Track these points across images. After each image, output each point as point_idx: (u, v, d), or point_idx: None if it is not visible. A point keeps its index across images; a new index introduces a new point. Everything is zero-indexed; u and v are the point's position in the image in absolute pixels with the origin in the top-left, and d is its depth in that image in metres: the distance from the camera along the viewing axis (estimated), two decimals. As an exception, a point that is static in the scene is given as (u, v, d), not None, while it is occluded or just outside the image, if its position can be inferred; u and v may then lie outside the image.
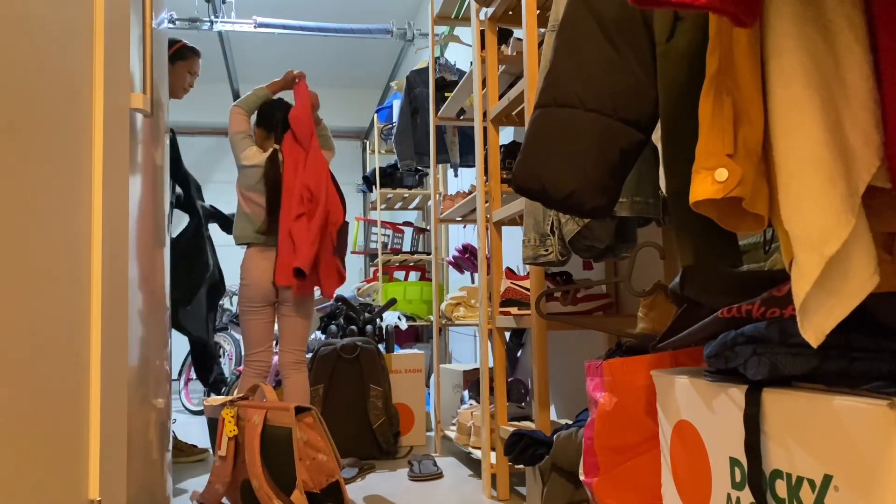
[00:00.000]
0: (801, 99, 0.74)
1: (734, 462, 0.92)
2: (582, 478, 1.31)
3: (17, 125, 0.82)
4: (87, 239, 1.06)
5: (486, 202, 2.45)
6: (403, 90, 3.67)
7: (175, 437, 3.04)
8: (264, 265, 2.48)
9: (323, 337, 3.31)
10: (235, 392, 2.54)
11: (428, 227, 5.01)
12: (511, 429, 1.97)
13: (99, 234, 1.09)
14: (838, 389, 0.80)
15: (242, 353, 2.61)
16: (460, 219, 3.20)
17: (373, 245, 4.88)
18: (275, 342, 2.65)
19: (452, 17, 3.16)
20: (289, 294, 2.49)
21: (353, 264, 6.80)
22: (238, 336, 4.52)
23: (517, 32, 2.53)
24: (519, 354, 3.09)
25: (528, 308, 2.13)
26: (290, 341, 2.53)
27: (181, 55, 2.94)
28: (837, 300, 0.73)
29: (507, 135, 3.26)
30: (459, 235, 4.31)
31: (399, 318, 3.82)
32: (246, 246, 2.54)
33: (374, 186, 4.76)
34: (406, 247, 4.89)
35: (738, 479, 0.91)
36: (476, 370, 3.17)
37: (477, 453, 2.53)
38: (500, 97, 2.30)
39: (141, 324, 1.32)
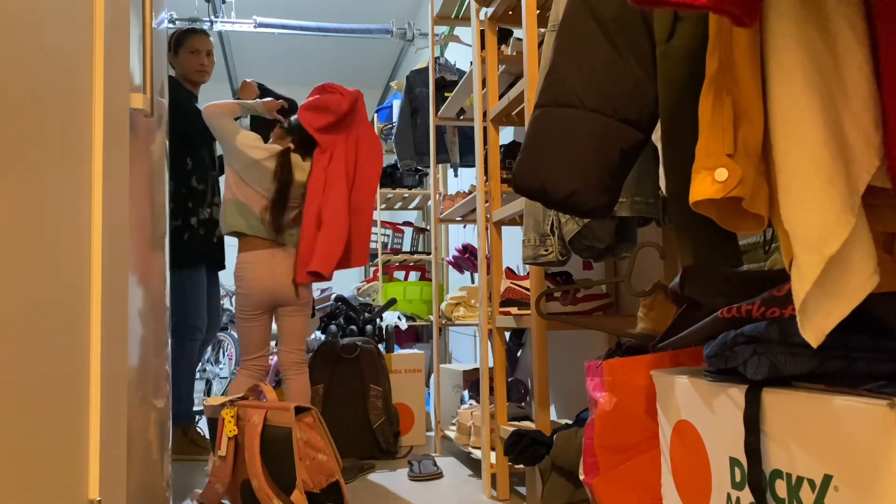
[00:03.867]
0: (801, 99, 0.74)
1: (734, 462, 0.92)
2: (582, 478, 1.31)
3: (16, 125, 0.82)
4: (87, 239, 1.06)
5: (486, 202, 2.45)
6: (403, 90, 3.67)
7: (193, 430, 3.01)
8: (268, 271, 2.40)
9: (323, 337, 3.31)
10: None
11: (428, 227, 5.01)
12: (511, 429, 1.97)
13: (99, 234, 1.09)
14: (838, 389, 0.80)
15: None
16: (460, 219, 3.20)
17: (373, 245, 4.88)
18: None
19: (452, 17, 3.16)
20: (294, 296, 2.44)
21: (353, 264, 6.79)
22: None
23: (517, 32, 2.53)
24: (519, 354, 3.09)
25: (528, 308, 2.13)
26: (291, 341, 2.51)
27: (179, 41, 2.96)
28: (837, 300, 0.73)
29: (507, 135, 3.26)
30: (459, 235, 4.31)
31: (399, 318, 3.81)
32: (238, 243, 2.44)
33: (373, 186, 4.75)
34: (406, 247, 4.89)
35: (738, 479, 0.91)
36: (476, 370, 3.17)
37: (477, 453, 2.53)
38: (500, 97, 2.29)
39: (141, 324, 1.32)
